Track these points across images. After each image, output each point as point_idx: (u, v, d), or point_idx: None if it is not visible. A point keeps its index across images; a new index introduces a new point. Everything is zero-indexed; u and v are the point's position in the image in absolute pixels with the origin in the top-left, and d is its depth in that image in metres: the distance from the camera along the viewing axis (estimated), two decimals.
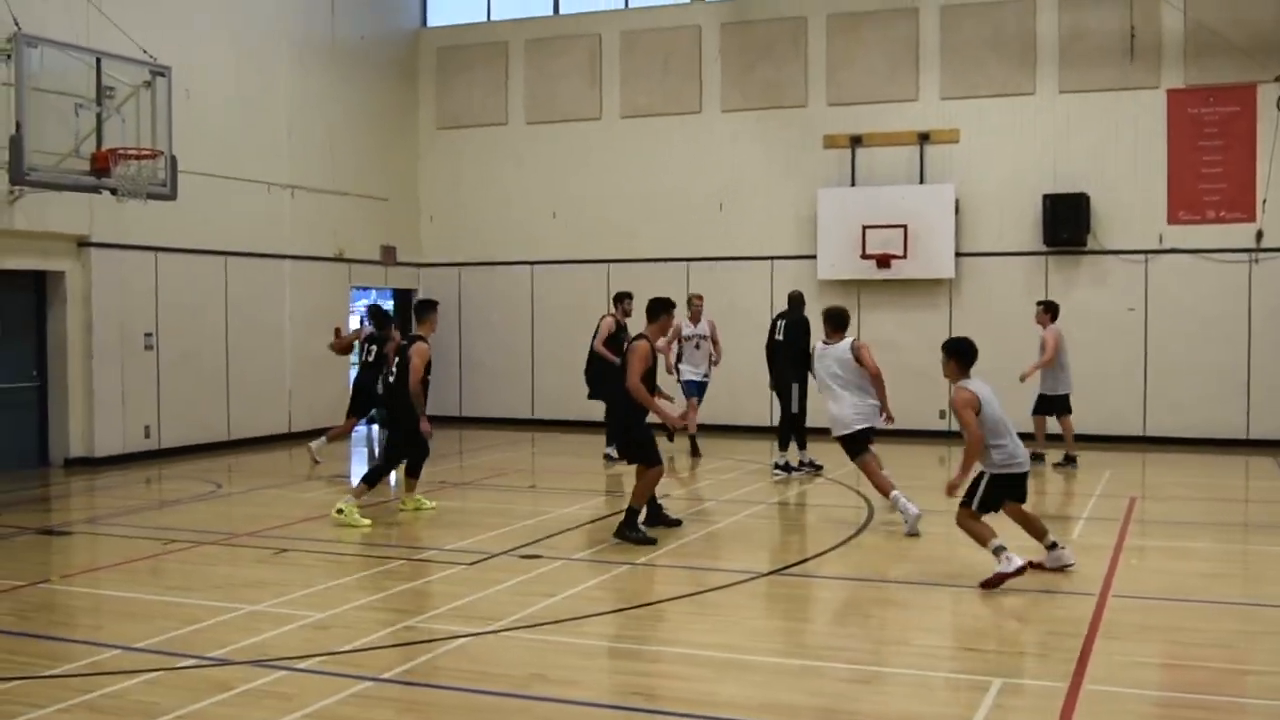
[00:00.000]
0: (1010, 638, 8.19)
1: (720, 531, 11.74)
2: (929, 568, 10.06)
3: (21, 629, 8.12)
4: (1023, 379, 15.77)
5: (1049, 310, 16.07)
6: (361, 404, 16.31)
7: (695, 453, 17.16)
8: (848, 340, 12.34)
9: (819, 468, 15.41)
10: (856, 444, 12.04)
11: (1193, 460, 17.21)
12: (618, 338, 15.53)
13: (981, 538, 9.20)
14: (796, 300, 15.92)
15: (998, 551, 9.03)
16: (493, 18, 22.69)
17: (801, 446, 15.46)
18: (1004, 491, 9.35)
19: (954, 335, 11.55)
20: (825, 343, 12.48)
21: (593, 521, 12.10)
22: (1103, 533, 11.46)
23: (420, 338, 12.31)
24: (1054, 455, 16.05)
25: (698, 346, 17.15)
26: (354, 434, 18.69)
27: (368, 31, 21.56)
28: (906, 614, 8.75)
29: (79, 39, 15.09)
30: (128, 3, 16.22)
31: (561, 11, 22.27)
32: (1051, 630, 8.15)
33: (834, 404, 12.12)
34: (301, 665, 7.21)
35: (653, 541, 10.80)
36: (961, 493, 9.31)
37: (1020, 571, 8.97)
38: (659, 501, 11.75)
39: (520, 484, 15.11)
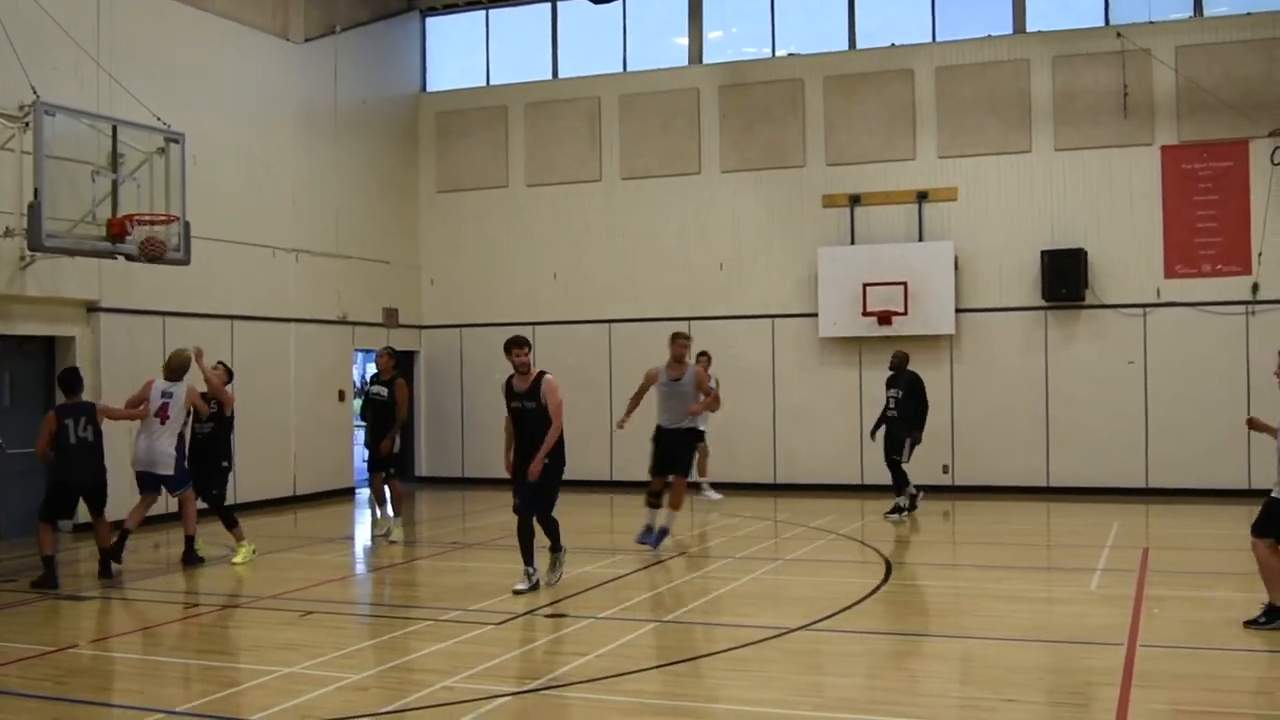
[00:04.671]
0: (1049, 688, 8.23)
1: (743, 588, 11.77)
2: (956, 621, 10.12)
3: (61, 694, 8.09)
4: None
5: None
6: None
7: None
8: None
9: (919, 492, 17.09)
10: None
11: (1196, 511, 17.30)
12: None
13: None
14: (905, 359, 17.12)
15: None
16: (492, 82, 22.94)
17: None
18: None
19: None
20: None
21: (612, 580, 12.11)
22: (1121, 583, 11.53)
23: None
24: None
25: None
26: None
27: (369, 97, 21.76)
28: (942, 666, 8.81)
29: (91, 106, 15.23)
30: (138, 70, 16.39)
31: (560, 75, 22.52)
32: (1087, 680, 8.22)
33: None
34: None
35: None
36: None
37: None
38: None
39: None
